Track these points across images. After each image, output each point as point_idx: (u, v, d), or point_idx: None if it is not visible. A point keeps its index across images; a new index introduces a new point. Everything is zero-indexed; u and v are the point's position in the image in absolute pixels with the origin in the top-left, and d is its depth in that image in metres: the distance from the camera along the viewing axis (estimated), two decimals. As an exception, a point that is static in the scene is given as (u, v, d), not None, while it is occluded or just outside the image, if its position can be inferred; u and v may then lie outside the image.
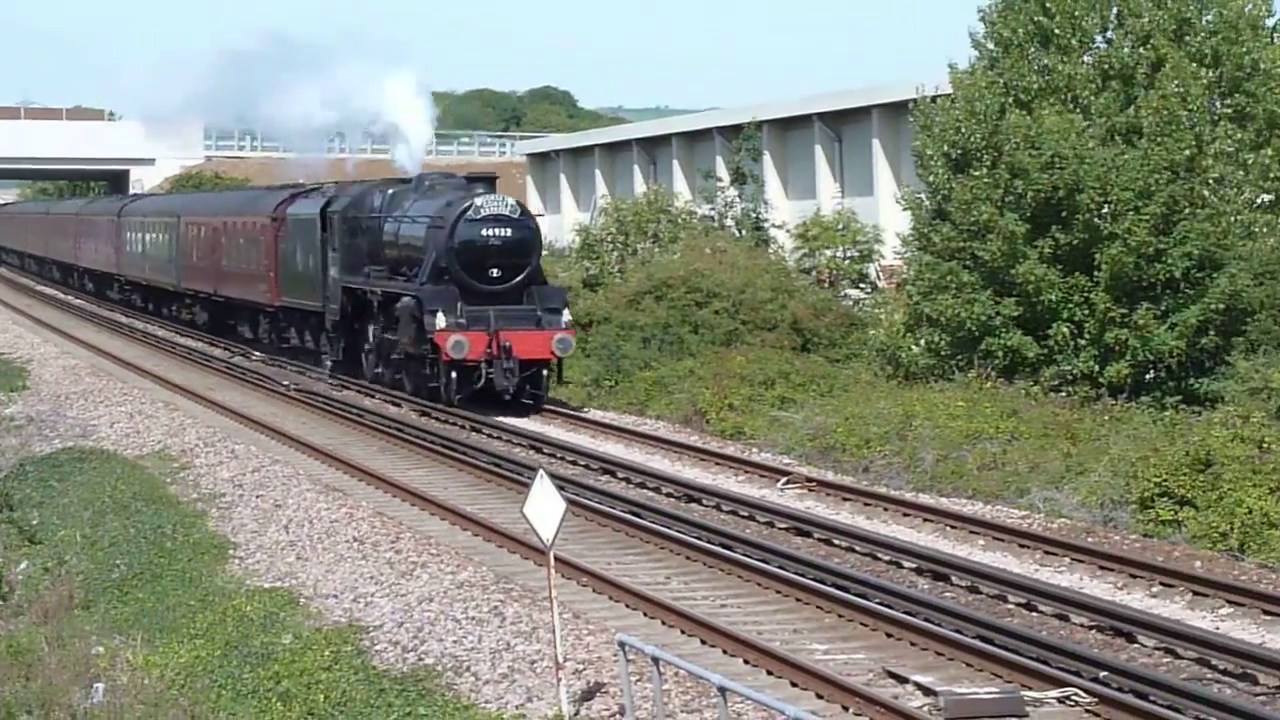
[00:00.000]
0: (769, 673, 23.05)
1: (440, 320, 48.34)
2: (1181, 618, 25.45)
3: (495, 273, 50.07)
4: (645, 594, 27.24)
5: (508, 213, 50.73)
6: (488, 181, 52.99)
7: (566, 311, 50.46)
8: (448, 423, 47.52)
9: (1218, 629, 24.73)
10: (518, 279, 50.39)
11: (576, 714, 22.04)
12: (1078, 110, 47.10)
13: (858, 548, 30.53)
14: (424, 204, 53.58)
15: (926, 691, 21.90)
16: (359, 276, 56.17)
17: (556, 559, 24.39)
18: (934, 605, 25.84)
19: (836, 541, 31.06)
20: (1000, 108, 48.01)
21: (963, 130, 48.02)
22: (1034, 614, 25.94)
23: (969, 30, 50.95)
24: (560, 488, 24.51)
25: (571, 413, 49.87)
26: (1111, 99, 47.68)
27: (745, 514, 33.79)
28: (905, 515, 33.77)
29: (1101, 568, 28.94)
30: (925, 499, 35.51)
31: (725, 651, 24.09)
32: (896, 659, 23.60)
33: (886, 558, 29.76)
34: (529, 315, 49.76)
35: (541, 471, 24.86)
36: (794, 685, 22.42)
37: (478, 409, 48.07)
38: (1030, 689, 21.80)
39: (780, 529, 32.43)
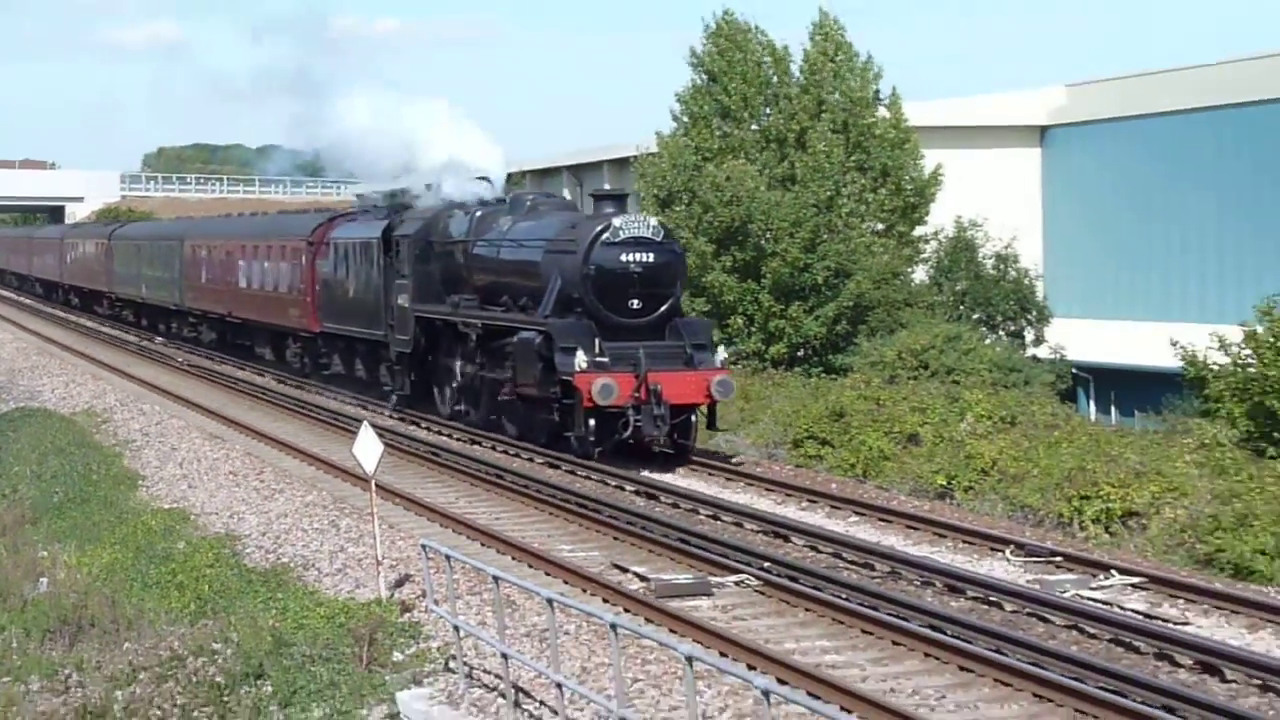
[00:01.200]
0: (530, 566, 23.07)
1: (580, 359, 31.42)
2: (822, 524, 25.69)
3: (635, 304, 32.71)
4: (441, 510, 27.21)
5: (650, 235, 32.98)
6: (617, 200, 34.84)
7: (721, 348, 33.57)
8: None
9: (848, 532, 24.99)
10: (660, 311, 32.87)
11: (391, 596, 21.99)
12: (749, 163, 47.77)
13: (593, 476, 30.56)
14: (531, 226, 35.92)
15: (642, 578, 21.98)
16: (441, 305, 38.11)
17: (377, 486, 24.34)
18: (648, 517, 25.93)
19: (579, 472, 31.10)
20: (694, 162, 48.61)
21: (667, 178, 48.59)
22: (718, 522, 26.08)
23: (669, 108, 51.93)
24: (380, 434, 24.46)
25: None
26: (771, 156, 48.53)
27: (513, 452, 33.77)
28: (627, 453, 33.89)
29: (766, 489, 29.16)
30: (642, 441, 35.60)
31: (498, 551, 24.08)
32: (620, 556, 23.67)
33: (614, 483, 29.84)
34: (677, 353, 32.45)
35: (366, 422, 24.81)
36: (547, 574, 22.44)
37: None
38: (716, 575, 21.98)
39: (538, 463, 32.43)
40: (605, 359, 31.62)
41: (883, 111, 49.96)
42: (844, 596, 20.31)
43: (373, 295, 41.81)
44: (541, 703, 17.03)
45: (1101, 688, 16.14)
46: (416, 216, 40.86)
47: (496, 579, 17.83)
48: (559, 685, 15.96)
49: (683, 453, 32.22)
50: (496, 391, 35.26)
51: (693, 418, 32.13)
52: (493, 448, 34.50)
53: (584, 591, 21.41)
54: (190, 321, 64.01)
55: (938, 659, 17.76)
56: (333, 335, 46.18)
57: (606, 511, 26.57)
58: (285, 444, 35.91)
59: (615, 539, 25.01)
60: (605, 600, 20.85)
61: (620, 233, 32.62)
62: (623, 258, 32.58)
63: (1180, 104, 55.86)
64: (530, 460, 32.77)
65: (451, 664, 18.67)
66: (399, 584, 22.64)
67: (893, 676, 17.27)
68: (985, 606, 20.18)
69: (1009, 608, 19.99)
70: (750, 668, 16.85)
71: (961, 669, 17.35)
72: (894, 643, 18.48)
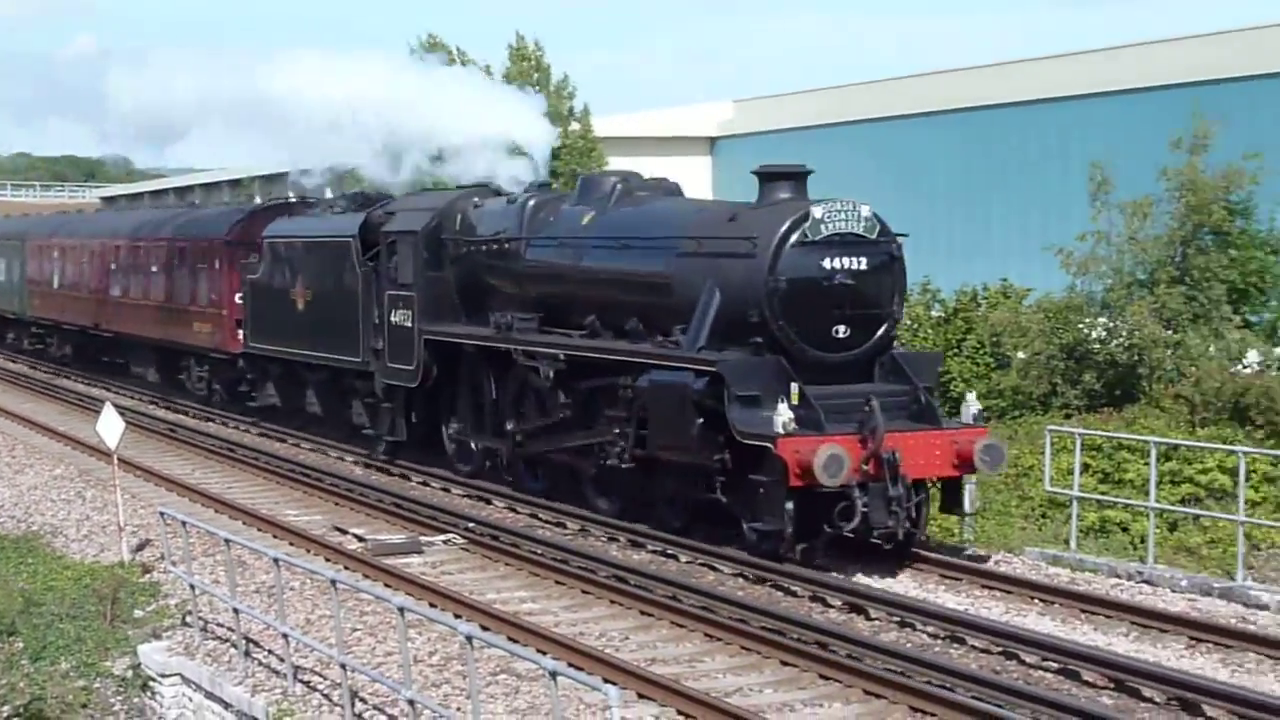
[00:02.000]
0: (259, 529, 22.78)
1: (784, 416, 18.22)
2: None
3: (842, 331, 19.62)
4: (179, 481, 26.70)
5: (863, 231, 19.77)
6: (795, 180, 20.59)
7: (971, 396, 19.88)
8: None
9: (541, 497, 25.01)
10: (873, 340, 19.84)
11: (132, 559, 21.53)
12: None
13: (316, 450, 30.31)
14: (635, 216, 22.59)
15: (360, 539, 21.83)
16: (462, 325, 25.59)
17: (120, 460, 23.80)
18: (366, 485, 25.78)
19: (304, 445, 30.76)
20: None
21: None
22: (427, 489, 25.98)
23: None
24: (122, 413, 23.93)
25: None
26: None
27: (245, 429, 33.29)
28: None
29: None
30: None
31: (230, 517, 23.71)
32: (341, 519, 23.48)
33: (335, 454, 29.56)
34: (908, 401, 19.42)
35: (108, 402, 24.27)
36: (275, 537, 22.15)
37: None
38: (426, 535, 21.90)
39: (263, 437, 31.99)
40: (816, 413, 18.73)
41: (575, 125, 50.26)
42: (539, 552, 20.35)
43: (343, 309, 28.60)
44: (270, 652, 16.87)
45: (764, 627, 16.39)
46: (418, 207, 27.48)
47: (228, 541, 17.60)
48: (285, 636, 15.84)
49: (908, 541, 19.19)
50: (583, 451, 22.78)
51: (925, 494, 19.45)
52: (224, 424, 33.86)
53: (308, 552, 21.17)
54: (35, 333, 50.69)
55: (622, 605, 17.87)
56: (265, 358, 32.66)
57: (328, 480, 26.33)
58: (34, 423, 34.92)
59: (336, 504, 24.79)
60: (327, 559, 20.62)
61: (822, 227, 19.61)
62: (826, 264, 19.59)
63: (826, 119, 57.08)
64: (264, 437, 32.24)
65: (188, 619, 18.45)
66: (140, 548, 22.19)
67: (583, 621, 17.34)
68: (664, 559, 20.36)
69: (684, 559, 20.18)
70: (456, 616, 16.79)
71: (642, 613, 17.48)
72: (584, 591, 18.56)
